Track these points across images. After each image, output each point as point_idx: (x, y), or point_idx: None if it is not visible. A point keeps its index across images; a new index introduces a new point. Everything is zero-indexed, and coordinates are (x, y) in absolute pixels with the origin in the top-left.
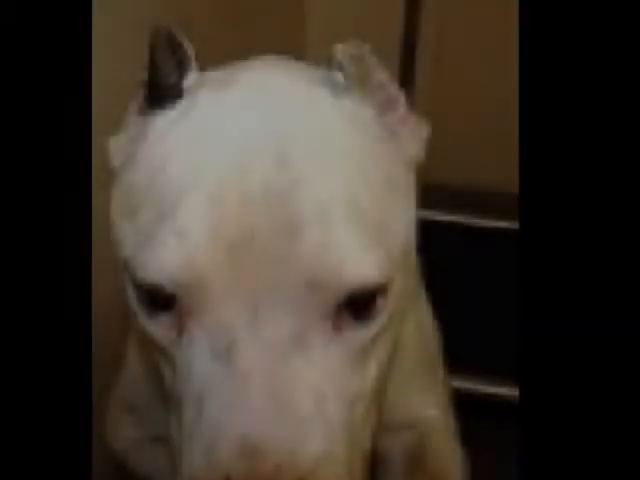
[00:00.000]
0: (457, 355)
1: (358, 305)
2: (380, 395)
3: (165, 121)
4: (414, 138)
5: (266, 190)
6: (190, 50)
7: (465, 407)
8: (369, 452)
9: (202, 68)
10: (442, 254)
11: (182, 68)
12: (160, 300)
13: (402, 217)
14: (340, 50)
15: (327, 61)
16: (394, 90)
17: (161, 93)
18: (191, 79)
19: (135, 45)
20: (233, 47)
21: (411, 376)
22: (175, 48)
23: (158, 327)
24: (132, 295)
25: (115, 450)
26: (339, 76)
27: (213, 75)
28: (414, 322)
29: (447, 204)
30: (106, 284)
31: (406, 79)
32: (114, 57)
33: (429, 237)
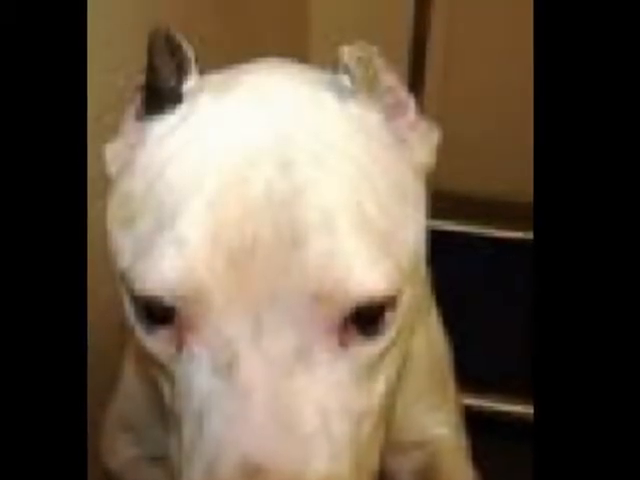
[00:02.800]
0: (468, 371)
1: (365, 318)
2: (388, 413)
3: (164, 126)
4: (424, 144)
5: (269, 197)
6: (190, 52)
7: (477, 426)
8: (377, 472)
9: (202, 71)
10: (452, 266)
11: (182, 71)
12: (158, 313)
13: (411, 226)
14: (346, 52)
15: (332, 63)
16: (403, 94)
17: (160, 97)
18: (191, 82)
19: (132, 47)
20: (234, 49)
21: (421, 393)
22: (174, 50)
23: (156, 342)
24: (129, 308)
25: (111, 470)
26: (345, 79)
27: (214, 78)
28: (424, 336)
29: (457, 213)
30: (102, 297)
31: (415, 82)
32: (110, 60)
33: (438, 248)
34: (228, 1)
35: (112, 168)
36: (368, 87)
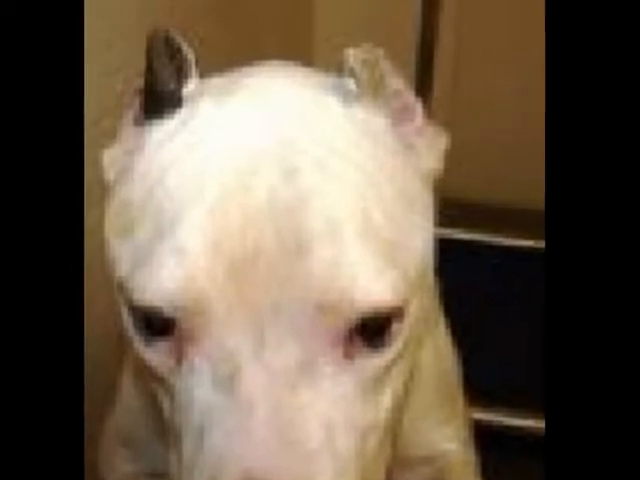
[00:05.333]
0: (477, 384)
1: (371, 330)
2: (395, 427)
3: (163, 131)
4: (431, 150)
5: (272, 204)
6: (190, 55)
7: (486, 440)
8: None
9: (203, 74)
10: (460, 275)
11: (181, 74)
12: (158, 325)
13: (418, 234)
14: (351, 55)
15: (337, 67)
16: (410, 98)
17: (159, 101)
18: (191, 86)
19: (131, 50)
20: (236, 51)
21: (429, 407)
22: (174, 53)
23: (155, 354)
24: (127, 319)
25: None
26: (350, 83)
27: (215, 82)
28: (432, 349)
29: (465, 221)
30: (99, 307)
31: (423, 86)
32: (109, 63)
33: (446, 257)
34: (229, 2)
35: (110, 174)
36: (374, 91)
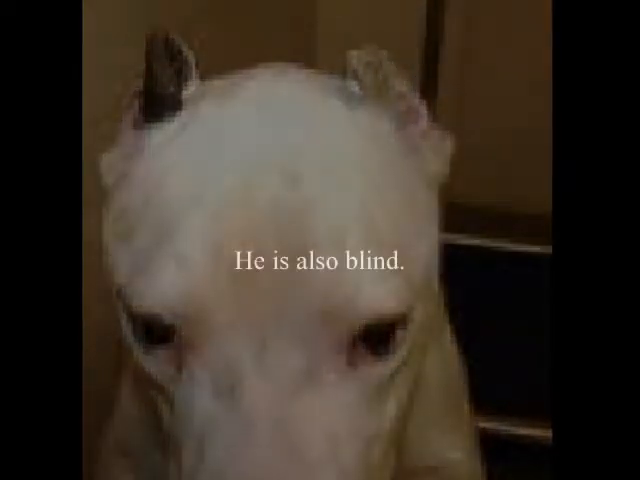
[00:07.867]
0: (483, 392)
1: (375, 337)
2: (400, 436)
3: (163, 135)
4: (436, 154)
5: (274, 210)
6: (190, 56)
7: (493, 450)
8: None
9: (203, 76)
10: (466, 281)
11: (181, 76)
12: (157, 332)
13: (423, 240)
14: (355, 57)
15: (341, 69)
16: (415, 101)
17: (158, 104)
18: (191, 88)
19: (129, 52)
20: (237, 53)
21: (434, 416)
22: (174, 54)
23: (155, 362)
24: (126, 327)
25: None
26: (354, 85)
27: (216, 84)
28: (437, 356)
29: (471, 226)
30: (97, 314)
31: (428, 89)
32: (106, 65)
33: (451, 262)
34: (231, 3)
35: (108, 179)
36: (378, 93)
